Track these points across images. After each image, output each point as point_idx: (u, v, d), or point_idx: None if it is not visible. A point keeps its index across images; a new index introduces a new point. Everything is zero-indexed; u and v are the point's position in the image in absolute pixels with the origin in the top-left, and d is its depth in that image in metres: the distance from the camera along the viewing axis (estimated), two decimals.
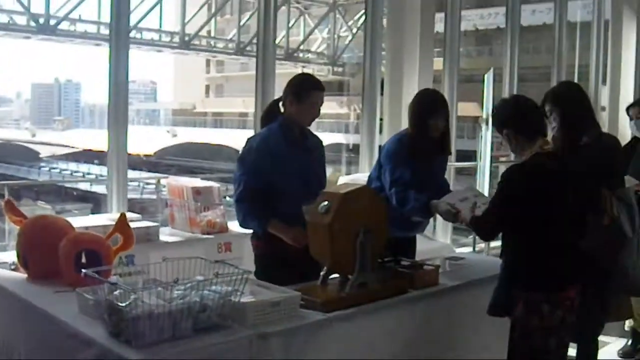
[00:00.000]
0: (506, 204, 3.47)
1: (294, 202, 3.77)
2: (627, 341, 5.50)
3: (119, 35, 5.45)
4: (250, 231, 4.11)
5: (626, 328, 5.52)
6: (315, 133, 4.26)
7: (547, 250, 3.41)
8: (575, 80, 10.72)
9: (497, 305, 3.58)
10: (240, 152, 4.10)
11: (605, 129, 10.30)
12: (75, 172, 40.80)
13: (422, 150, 4.31)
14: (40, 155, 46.92)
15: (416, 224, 4.46)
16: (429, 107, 4.34)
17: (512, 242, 3.56)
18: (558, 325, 3.39)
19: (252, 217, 3.93)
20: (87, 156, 43.80)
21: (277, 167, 3.91)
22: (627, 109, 5.57)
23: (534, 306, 3.38)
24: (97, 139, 40.34)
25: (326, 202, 3.43)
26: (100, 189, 30.28)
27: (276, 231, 3.88)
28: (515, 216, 3.42)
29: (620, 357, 5.41)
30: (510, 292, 3.49)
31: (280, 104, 4.12)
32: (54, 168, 43.36)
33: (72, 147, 46.40)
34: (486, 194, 6.42)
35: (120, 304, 2.68)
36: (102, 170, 35.80)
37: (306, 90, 4.01)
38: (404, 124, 4.62)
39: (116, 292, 2.74)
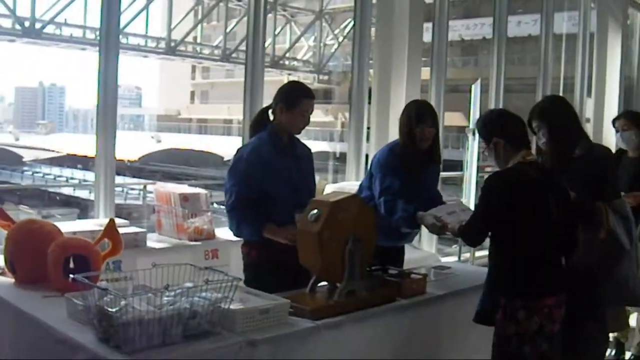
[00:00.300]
0: (489, 209, 3.52)
1: (284, 210, 3.79)
2: (611, 351, 5.53)
3: (109, 40, 5.44)
4: (240, 239, 4.11)
5: (610, 338, 5.54)
6: (303, 141, 4.27)
7: (526, 259, 3.43)
8: (561, 92, 10.80)
9: (483, 312, 3.61)
10: (230, 162, 4.08)
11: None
12: (59, 176, 40.52)
13: (411, 160, 4.33)
14: (24, 159, 46.59)
15: (405, 234, 4.48)
16: (416, 115, 4.37)
17: (494, 249, 3.58)
18: (535, 332, 3.40)
19: (246, 223, 3.92)
20: (71, 161, 43.57)
21: (267, 176, 3.91)
22: (613, 122, 5.60)
23: (511, 313, 3.40)
24: (81, 144, 40.16)
25: (316, 210, 3.44)
26: (83, 193, 30.17)
27: (271, 235, 3.86)
28: (497, 222, 3.46)
29: None
30: (493, 299, 3.52)
31: (270, 111, 4.13)
32: (37, 172, 43.07)
33: (56, 152, 46.13)
34: (472, 204, 6.46)
35: (111, 310, 2.69)
36: (86, 175, 35.65)
37: (296, 98, 4.01)
38: (392, 132, 4.66)
39: (106, 298, 2.74)
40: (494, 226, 3.50)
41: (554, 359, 3.58)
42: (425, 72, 8.00)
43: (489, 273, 3.64)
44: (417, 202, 4.20)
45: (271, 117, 4.12)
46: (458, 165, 8.62)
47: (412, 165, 4.34)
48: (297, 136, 4.18)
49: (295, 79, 26.29)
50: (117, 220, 4.43)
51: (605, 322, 4.28)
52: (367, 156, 7.04)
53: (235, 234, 4.04)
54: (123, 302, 2.69)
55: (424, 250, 7.11)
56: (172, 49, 30.88)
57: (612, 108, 10.65)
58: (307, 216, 3.46)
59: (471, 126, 7.47)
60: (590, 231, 3.93)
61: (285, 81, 4.53)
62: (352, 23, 7.80)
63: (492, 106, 9.16)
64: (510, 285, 3.46)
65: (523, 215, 3.42)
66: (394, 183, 4.26)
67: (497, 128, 3.66)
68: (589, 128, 10.55)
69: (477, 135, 7.29)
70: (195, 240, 5.06)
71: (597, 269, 3.97)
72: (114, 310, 2.68)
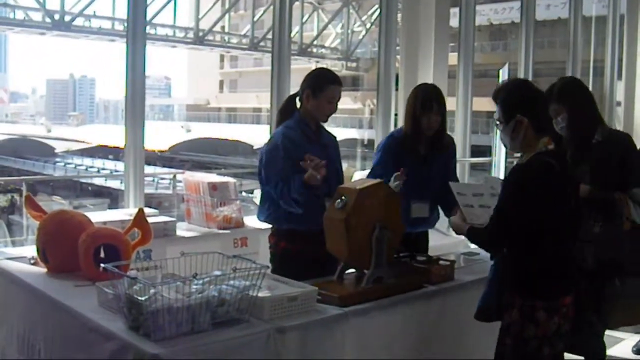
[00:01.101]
0: (513, 209, 3.15)
1: (315, 195, 3.77)
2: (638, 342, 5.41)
3: (136, 31, 5.49)
4: (268, 227, 4.13)
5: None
6: (330, 128, 4.26)
7: (547, 257, 3.19)
8: (591, 76, 10.69)
9: (487, 310, 3.44)
10: (262, 155, 4.01)
11: (620, 124, 10.29)
12: (90, 167, 41.02)
13: (413, 146, 4.26)
14: (56, 151, 47.19)
15: (418, 219, 4.38)
16: (422, 102, 4.22)
17: (510, 247, 3.29)
18: (553, 333, 3.19)
19: (295, 196, 3.82)
20: (102, 151, 44.05)
21: (298, 163, 3.89)
22: None
23: (530, 314, 3.17)
24: (112, 134, 40.62)
25: (343, 197, 3.44)
26: (114, 184, 30.56)
27: (309, 178, 3.75)
28: (520, 220, 3.14)
29: (635, 353, 5.35)
30: (502, 296, 3.30)
31: (297, 99, 4.12)
32: (69, 163, 43.60)
33: (87, 143, 46.64)
34: None
35: (140, 298, 2.71)
36: (117, 165, 36.09)
37: (323, 84, 3.99)
38: None
39: (135, 286, 2.77)
40: (519, 224, 3.16)
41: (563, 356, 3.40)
42: (453, 57, 7.97)
43: (497, 269, 3.45)
44: (430, 192, 4.20)
45: (298, 105, 4.11)
46: (487, 150, 8.59)
47: (413, 152, 4.26)
48: (324, 125, 4.17)
49: (324, 66, 26.26)
50: (147, 210, 4.47)
51: (606, 315, 4.04)
52: None
53: (298, 208, 3.88)
54: (152, 291, 2.71)
55: (452, 236, 7.06)
56: (200, 39, 31.08)
57: None
58: (334, 203, 3.47)
59: None
60: (614, 224, 3.78)
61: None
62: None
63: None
64: (530, 285, 3.21)
65: (547, 213, 3.14)
66: (385, 164, 4.19)
67: (523, 104, 3.23)
68: (619, 111, 10.44)
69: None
70: (224, 229, 5.09)
71: (627, 262, 3.79)
72: (143, 298, 2.71)
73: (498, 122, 3.31)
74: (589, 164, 3.80)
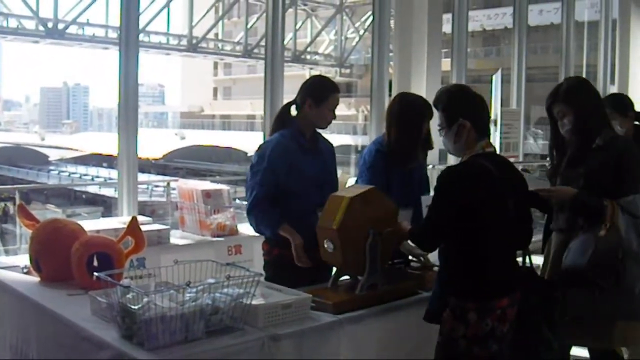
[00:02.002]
0: (444, 210, 3.23)
1: (307, 206, 3.76)
2: None
3: (129, 39, 5.48)
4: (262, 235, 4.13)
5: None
6: (324, 135, 4.25)
7: (480, 258, 3.20)
8: None
9: (433, 311, 3.39)
10: (252, 159, 4.06)
11: None
12: (84, 175, 40.93)
13: (404, 157, 4.21)
14: (50, 159, 47.08)
15: None
16: (423, 111, 4.17)
17: (446, 247, 3.33)
18: (486, 334, 3.17)
19: (264, 224, 3.97)
20: (96, 159, 43.97)
21: (292, 173, 3.89)
22: None
23: (461, 314, 3.18)
24: (106, 142, 40.57)
25: (332, 245, 3.43)
26: (109, 191, 30.51)
27: (286, 234, 3.87)
28: (454, 221, 3.20)
29: None
30: (441, 297, 3.31)
31: (293, 107, 4.11)
32: (63, 171, 43.50)
33: (81, 151, 46.55)
34: None
35: (133, 307, 2.70)
36: (111, 173, 36.03)
37: (326, 93, 4.00)
38: None
39: (129, 295, 2.76)
40: (449, 229, 3.23)
41: (504, 358, 3.31)
42: (447, 63, 7.98)
43: (439, 271, 3.45)
44: (413, 198, 4.17)
45: (293, 113, 4.11)
46: None
47: (407, 161, 4.23)
48: (320, 131, 4.17)
49: (318, 73, 26.22)
50: (140, 218, 4.46)
51: (555, 330, 3.64)
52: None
53: (256, 231, 4.09)
54: (145, 299, 2.71)
55: None
56: (193, 46, 31.01)
57: (636, 95, 10.51)
58: (324, 245, 3.47)
59: (492, 117, 7.42)
60: (592, 231, 3.60)
61: (307, 76, 4.48)
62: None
63: (514, 96, 9.11)
64: (462, 286, 3.23)
65: (480, 214, 3.18)
66: (376, 182, 4.03)
67: (465, 107, 3.33)
68: None
69: (499, 125, 7.26)
70: (218, 236, 5.07)
71: (590, 271, 3.56)
72: (136, 307, 2.70)
73: (440, 128, 3.37)
74: (584, 168, 3.73)
